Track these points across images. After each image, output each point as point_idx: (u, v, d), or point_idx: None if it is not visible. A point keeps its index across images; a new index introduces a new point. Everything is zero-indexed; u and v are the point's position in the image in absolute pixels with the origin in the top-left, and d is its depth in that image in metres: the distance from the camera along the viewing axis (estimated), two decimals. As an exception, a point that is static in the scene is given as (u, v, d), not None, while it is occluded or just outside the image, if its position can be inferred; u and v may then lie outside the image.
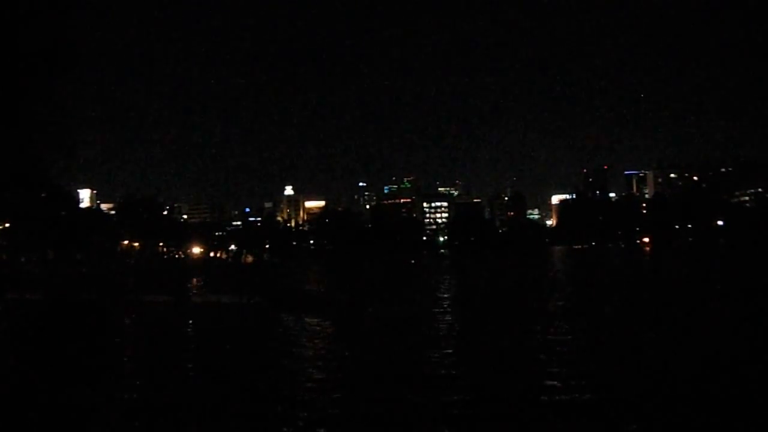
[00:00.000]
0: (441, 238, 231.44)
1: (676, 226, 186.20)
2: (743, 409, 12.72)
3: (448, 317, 29.22)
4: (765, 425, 11.94)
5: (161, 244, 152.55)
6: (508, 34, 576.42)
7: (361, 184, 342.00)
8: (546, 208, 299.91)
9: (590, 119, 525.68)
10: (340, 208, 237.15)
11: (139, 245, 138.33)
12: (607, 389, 14.65)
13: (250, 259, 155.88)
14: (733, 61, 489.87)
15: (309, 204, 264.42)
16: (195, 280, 67.29)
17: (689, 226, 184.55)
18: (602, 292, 40.30)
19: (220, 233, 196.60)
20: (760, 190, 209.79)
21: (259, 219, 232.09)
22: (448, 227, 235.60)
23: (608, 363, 17.66)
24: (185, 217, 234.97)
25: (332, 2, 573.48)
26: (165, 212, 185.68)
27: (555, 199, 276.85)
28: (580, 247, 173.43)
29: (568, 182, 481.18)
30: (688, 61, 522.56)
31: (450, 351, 20.30)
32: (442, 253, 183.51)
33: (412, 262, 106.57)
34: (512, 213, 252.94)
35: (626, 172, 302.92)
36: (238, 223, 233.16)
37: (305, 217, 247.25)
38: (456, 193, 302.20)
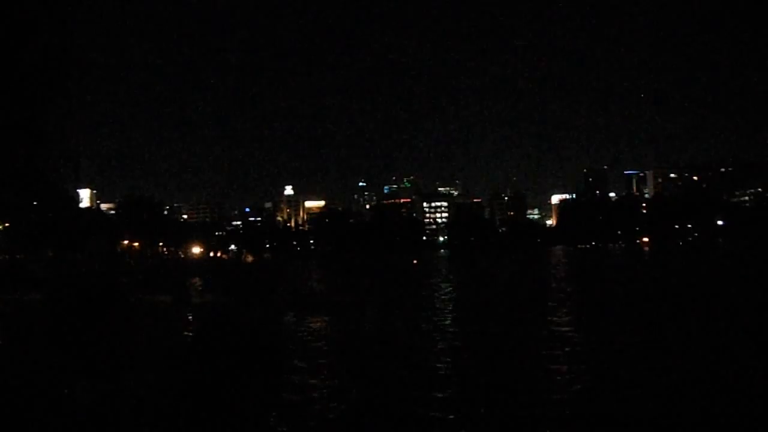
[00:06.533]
0: (441, 238, 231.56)
1: (676, 226, 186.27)
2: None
3: (448, 320, 29.16)
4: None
5: (161, 244, 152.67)
6: (509, 34, 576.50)
7: (361, 184, 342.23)
8: (546, 208, 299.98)
9: (590, 119, 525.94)
10: (340, 208, 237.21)
11: (139, 245, 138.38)
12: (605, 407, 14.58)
13: (250, 258, 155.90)
14: (733, 61, 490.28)
15: (309, 204, 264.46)
16: (195, 280, 67.28)
17: (689, 226, 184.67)
18: (603, 299, 40.26)
19: (220, 233, 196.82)
20: (760, 190, 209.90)
21: (259, 219, 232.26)
22: (448, 227, 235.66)
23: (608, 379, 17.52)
24: (185, 217, 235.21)
25: (332, 2, 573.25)
26: (165, 212, 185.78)
27: (555, 199, 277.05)
28: (582, 246, 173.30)
29: (568, 182, 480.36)
30: (688, 61, 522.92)
31: (448, 354, 20.26)
32: (442, 253, 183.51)
33: (414, 262, 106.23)
34: (512, 213, 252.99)
35: (626, 172, 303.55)
36: (238, 223, 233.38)
37: (305, 217, 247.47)
38: (456, 193, 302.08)
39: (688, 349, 19.19)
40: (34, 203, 76.85)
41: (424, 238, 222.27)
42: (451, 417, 12.82)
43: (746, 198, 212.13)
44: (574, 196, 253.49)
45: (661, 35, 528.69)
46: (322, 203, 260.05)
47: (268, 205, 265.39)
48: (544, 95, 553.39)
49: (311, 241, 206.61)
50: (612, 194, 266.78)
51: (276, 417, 13.25)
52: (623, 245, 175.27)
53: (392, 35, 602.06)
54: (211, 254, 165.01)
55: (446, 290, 45.80)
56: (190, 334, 27.97)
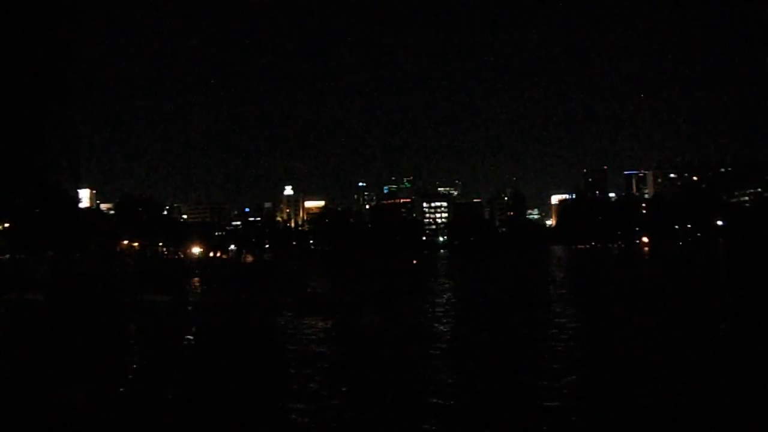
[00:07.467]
0: (441, 238, 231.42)
1: (676, 226, 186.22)
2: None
3: (449, 321, 29.15)
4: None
5: (161, 244, 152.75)
6: (508, 34, 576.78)
7: (361, 184, 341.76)
8: (546, 208, 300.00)
9: (590, 119, 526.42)
10: (340, 208, 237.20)
11: (139, 245, 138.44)
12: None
13: (250, 259, 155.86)
14: (733, 61, 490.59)
15: (309, 204, 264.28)
16: (195, 279, 67.29)
17: (689, 226, 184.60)
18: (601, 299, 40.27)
19: (220, 233, 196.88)
20: (759, 190, 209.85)
21: (259, 219, 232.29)
22: (448, 227, 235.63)
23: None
24: (185, 217, 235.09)
25: (332, 3, 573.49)
26: (165, 212, 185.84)
27: (555, 199, 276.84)
28: (582, 247, 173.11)
29: (568, 182, 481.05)
30: (689, 60, 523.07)
31: (448, 355, 20.27)
32: (442, 253, 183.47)
33: (415, 262, 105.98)
34: (512, 213, 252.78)
35: (626, 172, 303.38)
36: (238, 223, 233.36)
37: (305, 217, 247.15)
38: (456, 193, 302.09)
39: (686, 349, 19.21)
40: (34, 203, 77.00)
41: (424, 238, 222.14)
42: (450, 419, 12.85)
43: (746, 198, 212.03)
44: (574, 196, 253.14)
45: (661, 35, 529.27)
46: (322, 203, 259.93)
47: (268, 205, 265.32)
48: (545, 95, 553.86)
49: (311, 241, 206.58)
50: (612, 194, 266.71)
51: (275, 420, 13.26)
52: (623, 245, 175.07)
53: (392, 35, 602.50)
54: (211, 254, 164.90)
55: (446, 291, 45.80)
56: (190, 335, 27.99)
